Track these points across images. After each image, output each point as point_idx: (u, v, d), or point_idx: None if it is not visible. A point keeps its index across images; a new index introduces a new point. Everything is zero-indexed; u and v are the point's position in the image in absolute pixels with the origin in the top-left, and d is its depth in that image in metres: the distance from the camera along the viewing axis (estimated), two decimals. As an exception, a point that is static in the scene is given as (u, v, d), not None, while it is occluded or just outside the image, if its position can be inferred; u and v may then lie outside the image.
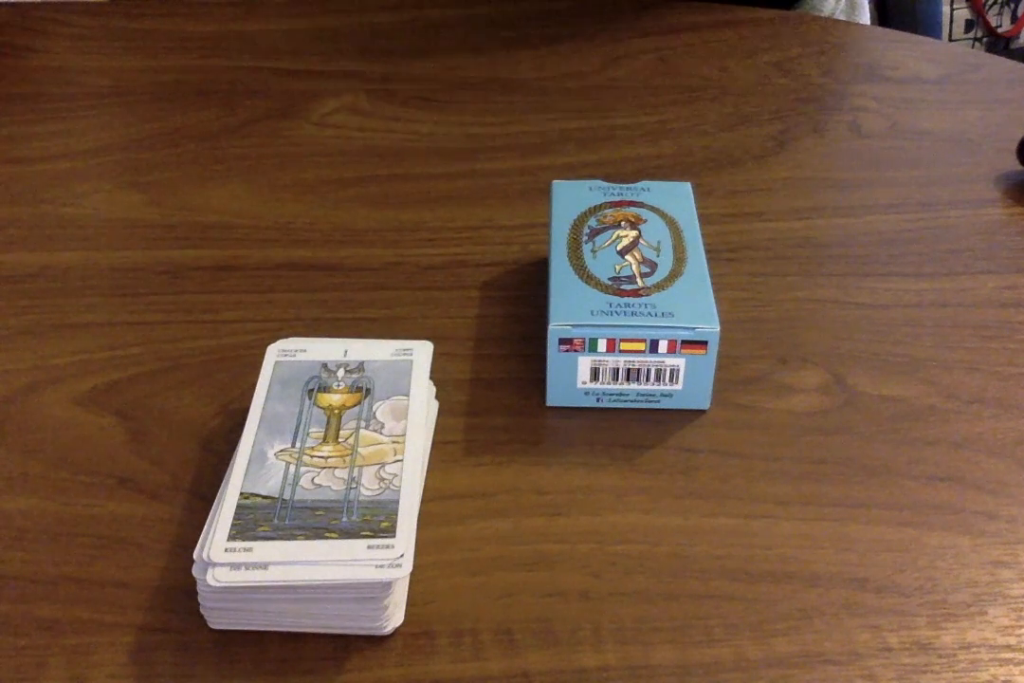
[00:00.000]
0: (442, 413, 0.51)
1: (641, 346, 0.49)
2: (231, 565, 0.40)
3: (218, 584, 0.39)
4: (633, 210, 0.56)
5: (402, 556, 0.40)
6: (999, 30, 2.02)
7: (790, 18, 0.84)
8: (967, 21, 2.01)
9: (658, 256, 0.53)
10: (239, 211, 0.65)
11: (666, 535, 0.46)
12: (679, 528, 0.46)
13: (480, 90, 0.76)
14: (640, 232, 0.54)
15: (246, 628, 0.42)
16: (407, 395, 0.47)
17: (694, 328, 0.49)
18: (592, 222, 0.55)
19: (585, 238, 0.54)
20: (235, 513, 0.42)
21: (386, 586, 0.40)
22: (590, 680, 0.40)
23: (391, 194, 0.65)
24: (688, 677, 0.40)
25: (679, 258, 0.53)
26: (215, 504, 0.43)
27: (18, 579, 0.44)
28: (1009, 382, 0.53)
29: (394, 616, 0.41)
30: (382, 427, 0.46)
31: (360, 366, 0.49)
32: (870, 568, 0.44)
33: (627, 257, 0.53)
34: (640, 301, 0.50)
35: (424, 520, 0.44)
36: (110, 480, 0.48)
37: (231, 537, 0.41)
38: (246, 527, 0.41)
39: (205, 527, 0.42)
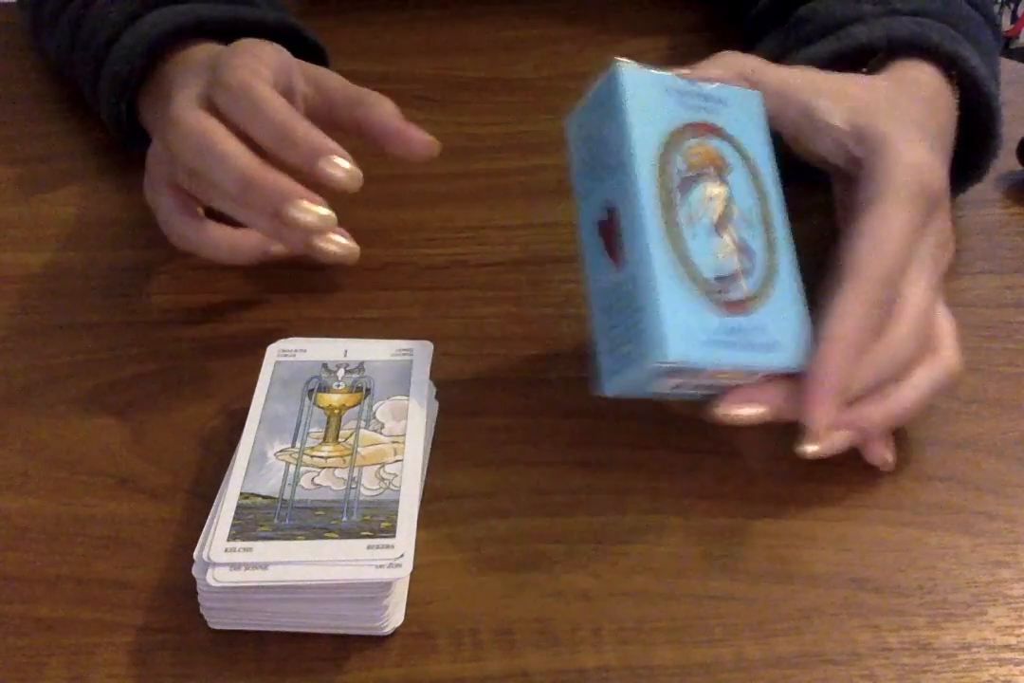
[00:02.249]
0: (442, 413, 0.51)
1: (739, 376, 0.41)
2: (231, 565, 0.40)
3: (218, 584, 0.39)
4: (716, 144, 0.39)
5: (402, 556, 0.40)
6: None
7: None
8: (967, 21, 2.01)
9: (751, 237, 0.39)
10: (239, 211, 0.65)
11: (666, 535, 0.46)
12: (679, 528, 0.46)
13: (480, 90, 0.75)
14: (729, 189, 0.39)
15: (246, 628, 0.42)
16: (407, 395, 0.47)
17: (797, 366, 0.41)
18: (678, 162, 0.38)
19: (677, 194, 0.37)
20: (235, 513, 0.42)
21: (386, 586, 0.40)
22: (590, 680, 0.40)
23: (391, 194, 0.65)
24: (688, 677, 0.40)
25: (770, 241, 0.40)
26: (215, 504, 0.43)
27: (18, 579, 0.44)
28: (1009, 382, 0.53)
29: (394, 616, 0.41)
30: (382, 427, 0.46)
31: (360, 366, 0.49)
32: (870, 568, 0.44)
33: (724, 237, 0.38)
34: (750, 322, 0.38)
35: (424, 520, 0.44)
36: (110, 480, 0.48)
37: (231, 537, 0.41)
38: (246, 527, 0.41)
39: (205, 527, 0.42)
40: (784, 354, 0.40)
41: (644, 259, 0.36)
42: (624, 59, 0.39)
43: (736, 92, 0.41)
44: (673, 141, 0.38)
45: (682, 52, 0.74)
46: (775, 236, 0.39)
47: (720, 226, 0.37)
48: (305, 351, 0.50)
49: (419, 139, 0.54)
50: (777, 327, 0.39)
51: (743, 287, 0.38)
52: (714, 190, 0.37)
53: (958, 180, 0.55)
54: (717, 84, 0.41)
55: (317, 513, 0.42)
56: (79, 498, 0.47)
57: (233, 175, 0.48)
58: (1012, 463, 0.49)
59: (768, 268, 0.39)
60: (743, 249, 0.38)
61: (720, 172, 0.38)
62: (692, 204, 0.37)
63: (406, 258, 0.61)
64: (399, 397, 0.47)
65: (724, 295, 0.37)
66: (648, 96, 0.38)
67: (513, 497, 0.47)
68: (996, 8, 1.98)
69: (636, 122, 0.37)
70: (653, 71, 0.39)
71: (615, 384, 0.42)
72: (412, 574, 0.41)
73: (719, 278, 0.37)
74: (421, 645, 0.41)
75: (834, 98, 0.44)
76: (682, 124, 0.38)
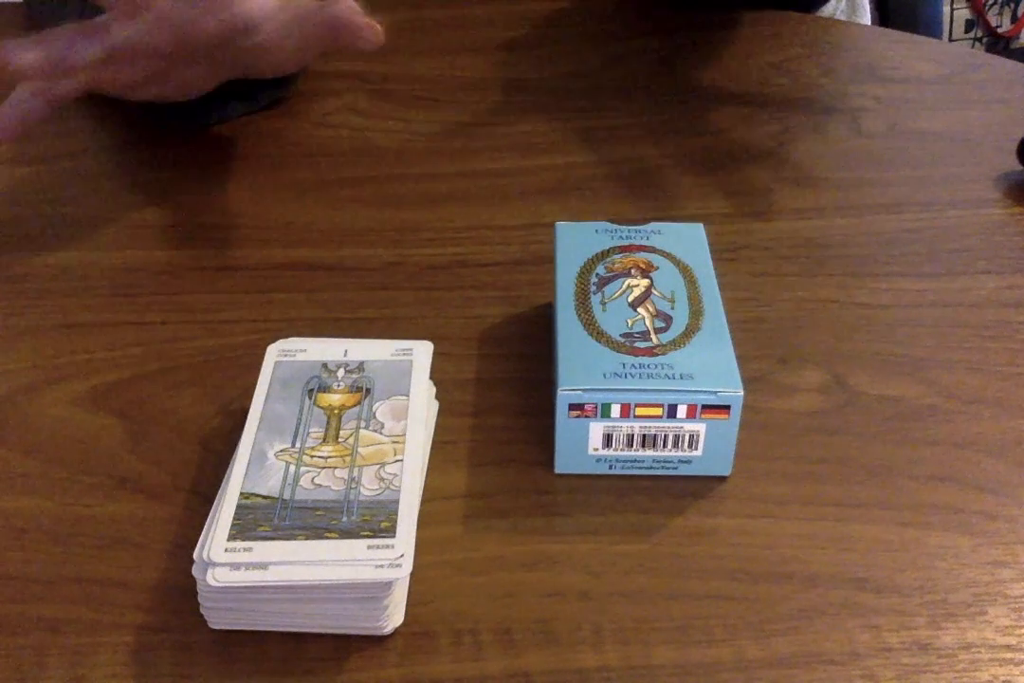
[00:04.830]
0: (442, 413, 0.51)
1: (658, 411, 0.46)
2: (231, 565, 0.40)
3: (218, 584, 0.39)
4: (643, 256, 0.52)
5: (402, 556, 0.40)
6: (999, 30, 2.02)
7: (790, 18, 0.84)
8: (967, 21, 2.01)
9: (672, 309, 0.49)
10: (239, 211, 0.65)
11: (666, 535, 0.46)
12: (679, 528, 0.46)
13: (480, 90, 0.76)
14: (652, 281, 0.50)
15: (246, 628, 0.42)
16: (407, 395, 0.47)
17: (716, 392, 0.45)
18: (600, 270, 0.51)
19: (593, 288, 0.50)
20: (235, 513, 0.42)
21: (386, 586, 0.40)
22: (590, 680, 0.40)
23: (391, 194, 0.65)
24: (688, 677, 0.40)
25: (695, 311, 0.49)
26: (215, 504, 0.43)
27: (18, 579, 0.44)
28: (1009, 382, 0.53)
29: (394, 616, 0.41)
30: (382, 427, 0.46)
31: (360, 366, 0.49)
32: (870, 568, 0.44)
33: (639, 310, 0.49)
34: (656, 361, 0.46)
35: (424, 520, 0.44)
36: (110, 480, 0.48)
37: (231, 537, 0.41)
38: (246, 527, 0.41)
39: (205, 527, 0.42)
40: (690, 381, 0.46)
41: (558, 327, 0.49)
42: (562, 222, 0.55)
43: (676, 225, 0.55)
44: (596, 259, 0.52)
45: (681, 52, 0.74)
46: (702, 308, 0.49)
47: (636, 303, 0.49)
48: (305, 351, 0.50)
49: (362, 25, 0.57)
50: (685, 365, 0.46)
51: (653, 340, 0.47)
52: (634, 282, 0.50)
53: None
54: (653, 223, 0.55)
55: (317, 513, 0.42)
56: (79, 498, 0.47)
57: None
58: (1012, 463, 0.49)
59: (688, 327, 0.48)
60: (659, 316, 0.49)
61: (644, 271, 0.51)
62: (606, 292, 0.50)
63: (406, 258, 0.61)
64: (399, 397, 0.47)
65: (631, 345, 0.47)
66: (575, 235, 0.54)
67: (513, 497, 0.47)
68: (996, 8, 1.99)
69: (561, 254, 0.53)
70: (585, 223, 0.55)
71: (560, 436, 0.47)
72: (412, 574, 0.41)
73: (625, 335, 0.48)
74: (421, 645, 0.42)
75: None
76: (608, 248, 0.53)
